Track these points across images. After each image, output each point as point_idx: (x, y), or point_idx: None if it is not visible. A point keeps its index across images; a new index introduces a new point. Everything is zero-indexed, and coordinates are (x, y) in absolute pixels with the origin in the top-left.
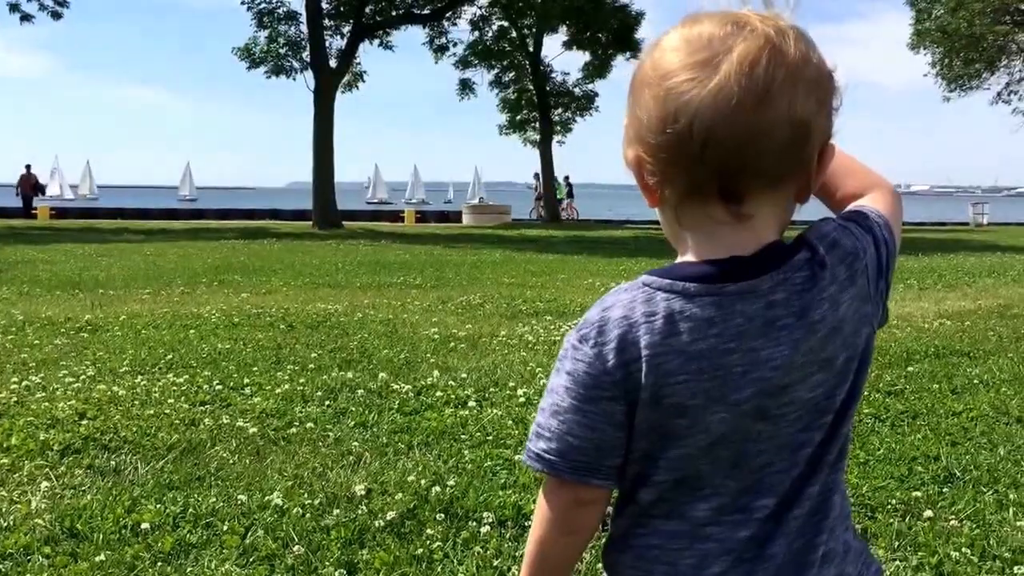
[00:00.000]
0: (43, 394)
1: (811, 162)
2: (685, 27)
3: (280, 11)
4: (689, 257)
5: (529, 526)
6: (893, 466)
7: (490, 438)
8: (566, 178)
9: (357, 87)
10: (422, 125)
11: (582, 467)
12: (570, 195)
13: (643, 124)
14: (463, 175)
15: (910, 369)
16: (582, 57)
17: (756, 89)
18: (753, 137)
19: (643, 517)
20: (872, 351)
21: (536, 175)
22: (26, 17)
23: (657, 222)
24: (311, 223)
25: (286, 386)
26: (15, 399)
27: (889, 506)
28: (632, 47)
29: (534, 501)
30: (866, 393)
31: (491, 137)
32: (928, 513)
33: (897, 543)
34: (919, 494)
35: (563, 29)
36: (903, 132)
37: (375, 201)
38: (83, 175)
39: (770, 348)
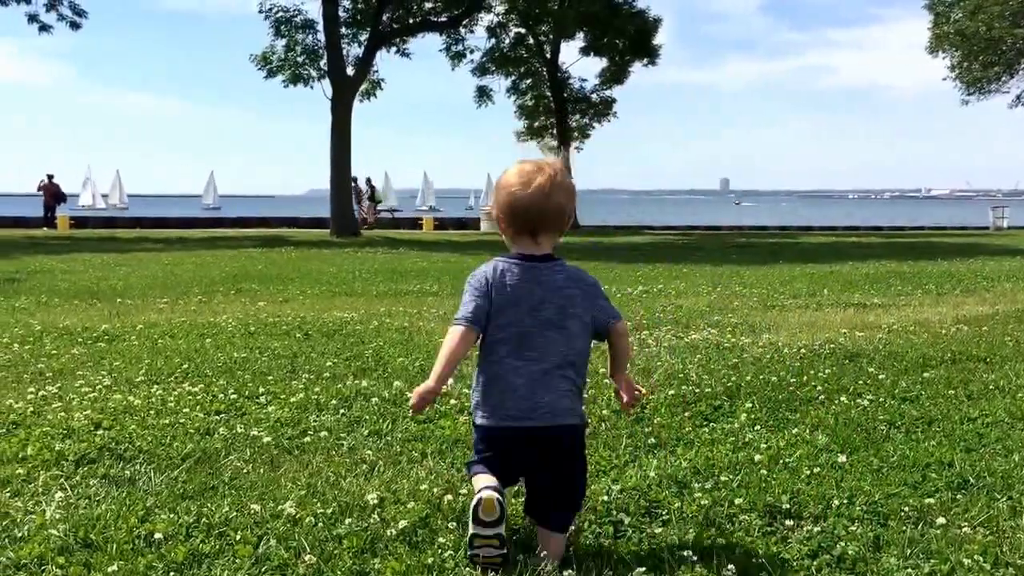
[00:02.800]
0: (59, 404)
1: (566, 223)
2: (519, 164)
3: (297, 20)
4: (514, 251)
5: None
6: (907, 473)
7: None
8: (367, 180)
9: (375, 95)
10: (432, 132)
11: (469, 319)
12: (371, 199)
13: (500, 205)
14: (478, 183)
15: (926, 375)
16: (599, 63)
17: (544, 194)
18: (542, 213)
19: (486, 354)
20: (587, 326)
21: (355, 178)
22: (44, 27)
23: (673, 228)
24: (329, 231)
25: (301, 395)
26: (31, 409)
27: (902, 513)
28: (649, 53)
29: None
30: (881, 399)
31: (504, 144)
32: (941, 520)
33: (909, 551)
34: (932, 501)
35: (580, 36)
36: (921, 136)
37: (385, 208)
38: (113, 184)
39: (536, 289)
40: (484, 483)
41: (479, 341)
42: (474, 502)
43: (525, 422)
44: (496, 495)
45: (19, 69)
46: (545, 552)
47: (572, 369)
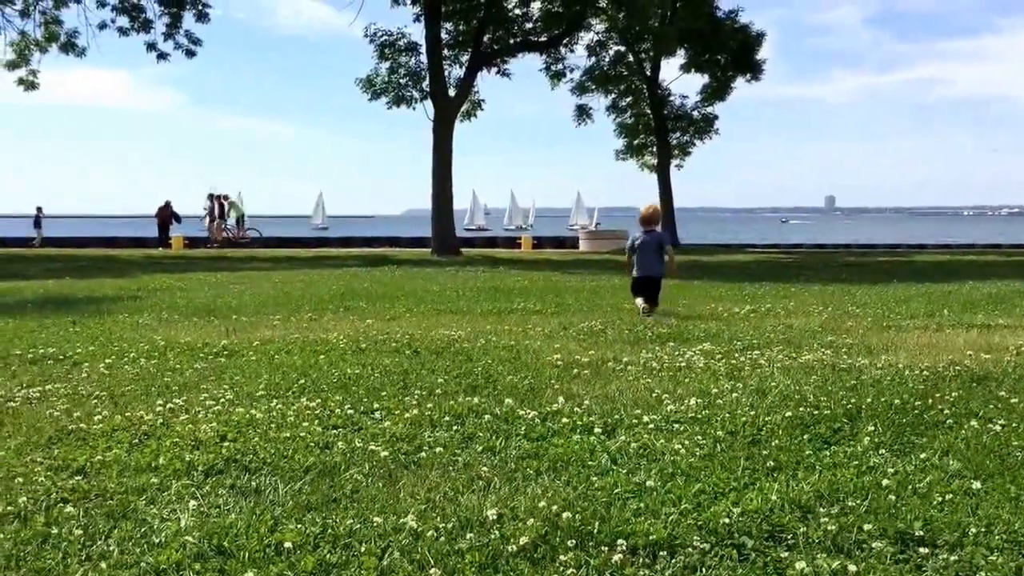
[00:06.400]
0: (186, 416)
1: (657, 222)
2: (645, 206)
3: (401, 43)
4: (642, 230)
5: (661, 555)
6: None
7: (617, 465)
8: (212, 196)
9: (475, 115)
10: (529, 151)
11: (628, 251)
12: (222, 216)
13: (640, 219)
14: (572, 202)
15: None
16: (701, 80)
17: (651, 213)
18: (652, 218)
19: (637, 260)
20: (661, 248)
21: (209, 196)
22: (162, 56)
23: (776, 246)
24: (430, 250)
25: (414, 411)
26: (160, 421)
27: None
28: (752, 68)
29: (665, 528)
30: (1014, 424)
31: (604, 162)
32: None
33: None
34: None
35: (681, 52)
36: None
37: (473, 227)
38: None
39: (647, 238)
40: (638, 297)
41: (630, 257)
42: (639, 301)
43: (646, 273)
44: (643, 302)
45: (134, 97)
46: (651, 309)
47: (660, 257)
